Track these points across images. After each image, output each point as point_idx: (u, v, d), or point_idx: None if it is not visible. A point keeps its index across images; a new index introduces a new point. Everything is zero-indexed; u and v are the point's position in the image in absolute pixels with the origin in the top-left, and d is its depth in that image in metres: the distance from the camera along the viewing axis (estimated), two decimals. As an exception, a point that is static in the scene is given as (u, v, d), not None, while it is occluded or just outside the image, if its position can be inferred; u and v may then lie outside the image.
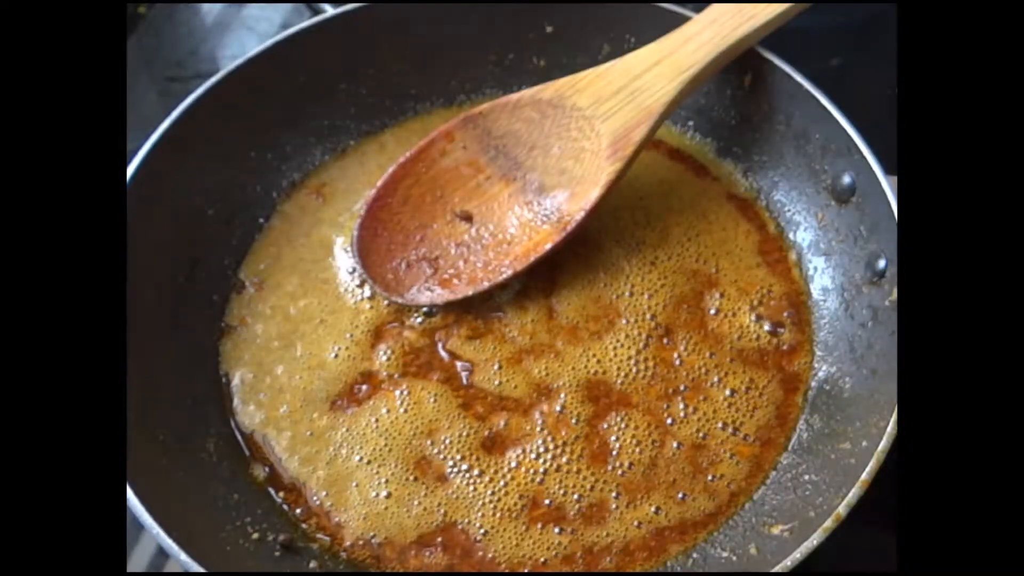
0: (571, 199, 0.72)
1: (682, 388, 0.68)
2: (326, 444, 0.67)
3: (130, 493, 0.55)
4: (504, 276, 0.71)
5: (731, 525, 0.63)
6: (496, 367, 0.70)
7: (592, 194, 0.70)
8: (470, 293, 0.71)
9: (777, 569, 0.53)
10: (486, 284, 0.71)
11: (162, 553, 0.68)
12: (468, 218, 0.74)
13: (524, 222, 0.73)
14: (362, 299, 0.74)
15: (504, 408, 0.68)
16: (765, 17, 0.69)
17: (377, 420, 0.68)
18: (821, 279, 0.73)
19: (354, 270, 0.75)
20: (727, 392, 0.68)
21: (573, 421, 0.67)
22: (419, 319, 0.72)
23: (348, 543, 0.64)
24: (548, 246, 0.71)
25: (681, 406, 0.67)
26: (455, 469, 0.65)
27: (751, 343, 0.70)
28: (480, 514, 0.64)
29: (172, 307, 0.71)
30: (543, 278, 0.74)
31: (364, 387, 0.69)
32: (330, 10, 0.79)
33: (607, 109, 0.70)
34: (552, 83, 0.73)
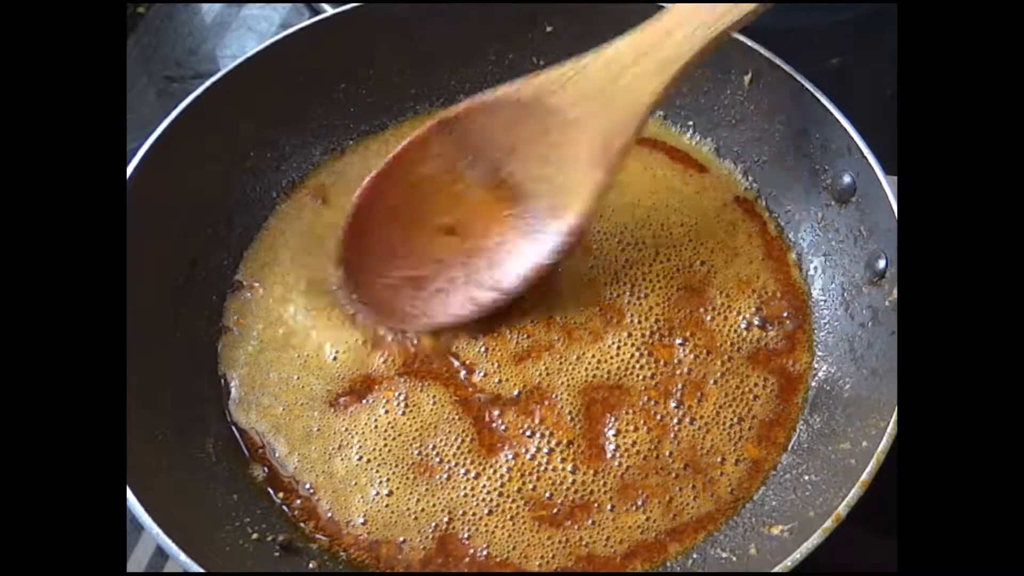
0: (555, 211, 0.67)
1: (681, 388, 0.68)
2: (325, 444, 0.67)
3: (130, 493, 0.55)
4: (488, 302, 0.69)
5: (731, 525, 0.63)
6: (495, 367, 0.69)
7: (576, 208, 0.66)
8: (451, 322, 0.70)
9: (777, 569, 0.53)
10: (470, 310, 0.69)
11: (162, 553, 0.68)
12: (451, 231, 0.70)
13: (508, 238, 0.69)
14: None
15: (503, 408, 0.68)
16: (750, 4, 0.63)
17: (376, 420, 0.68)
18: (821, 279, 0.73)
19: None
20: (726, 392, 0.68)
21: (572, 422, 0.67)
22: (419, 319, 0.72)
23: (347, 543, 0.64)
24: (530, 270, 0.68)
25: (680, 406, 0.67)
26: (454, 469, 0.65)
27: (751, 343, 0.70)
28: (479, 514, 0.64)
29: (171, 307, 0.71)
30: (543, 278, 0.73)
31: (363, 387, 0.69)
32: (330, 10, 0.79)
33: (589, 111, 0.66)
34: (531, 80, 0.67)
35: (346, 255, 0.71)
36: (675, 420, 0.67)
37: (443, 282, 0.70)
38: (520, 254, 0.69)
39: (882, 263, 0.66)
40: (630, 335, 0.70)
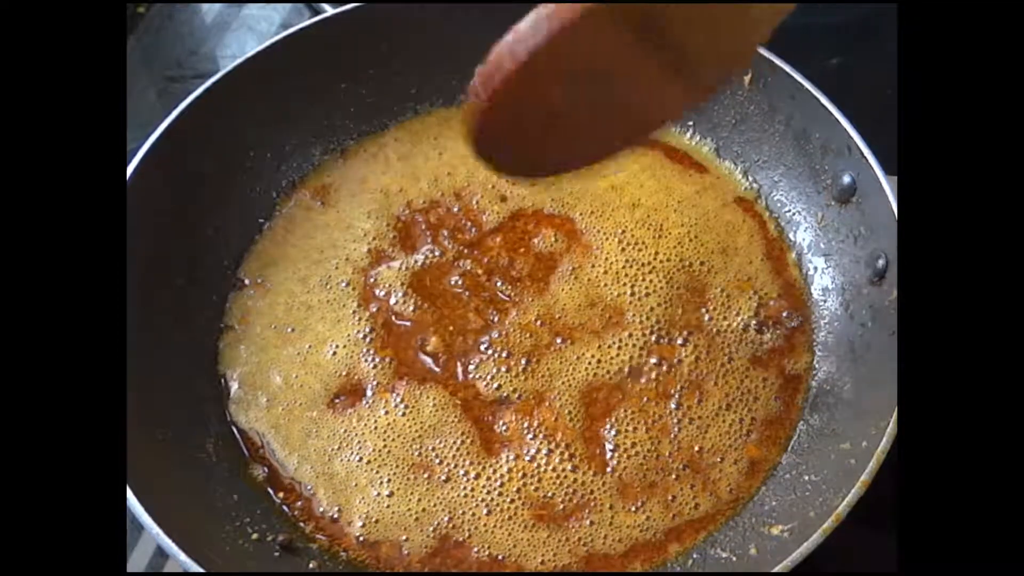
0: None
1: (681, 388, 0.68)
2: (325, 444, 0.67)
3: (130, 493, 0.55)
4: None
5: (731, 526, 0.63)
6: (495, 368, 0.69)
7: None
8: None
9: (777, 569, 0.53)
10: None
11: (162, 553, 0.68)
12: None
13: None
14: (360, 299, 0.74)
15: (503, 409, 0.68)
16: None
17: (376, 421, 0.68)
18: (821, 279, 0.73)
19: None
20: (726, 392, 0.68)
21: (572, 422, 0.67)
22: (414, 312, 0.72)
23: (347, 543, 0.64)
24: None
25: (680, 407, 0.67)
26: (454, 470, 0.65)
27: (751, 343, 0.70)
28: (478, 515, 0.64)
29: (172, 307, 0.71)
30: (543, 279, 0.74)
31: (362, 387, 0.69)
32: (330, 10, 0.79)
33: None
34: None
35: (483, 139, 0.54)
36: (675, 420, 0.67)
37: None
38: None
39: (882, 263, 0.66)
40: (630, 335, 0.70)
